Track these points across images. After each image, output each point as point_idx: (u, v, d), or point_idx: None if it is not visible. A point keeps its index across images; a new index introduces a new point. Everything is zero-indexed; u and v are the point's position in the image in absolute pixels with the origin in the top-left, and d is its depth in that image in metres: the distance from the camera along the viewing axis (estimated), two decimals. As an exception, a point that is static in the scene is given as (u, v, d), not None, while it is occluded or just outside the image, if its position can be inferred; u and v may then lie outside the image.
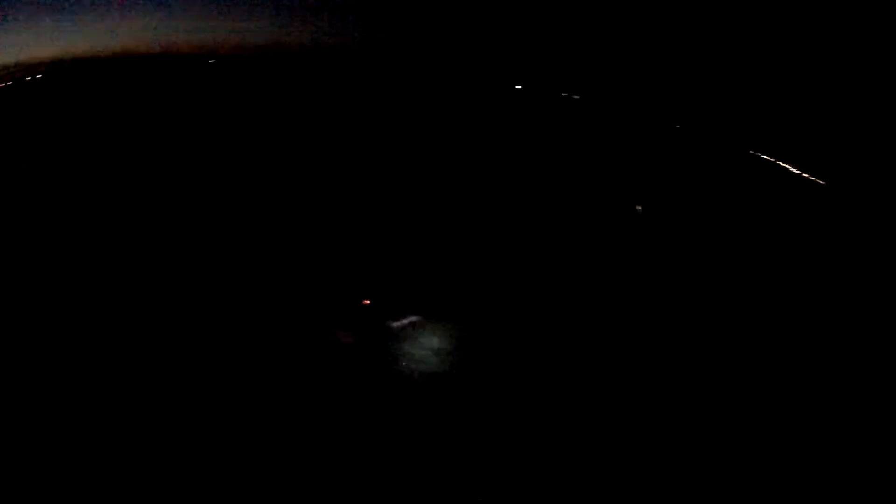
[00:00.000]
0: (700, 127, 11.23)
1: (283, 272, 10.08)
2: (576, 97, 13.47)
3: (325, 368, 8.01)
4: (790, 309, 9.05)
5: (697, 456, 7.00)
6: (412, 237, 11.24)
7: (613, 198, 12.53)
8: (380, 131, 16.28)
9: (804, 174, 9.80)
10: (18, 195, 12.80)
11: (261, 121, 17.35)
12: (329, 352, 8.49)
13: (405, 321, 8.78)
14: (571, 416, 7.47)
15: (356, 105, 18.66)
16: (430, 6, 20.07)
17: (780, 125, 10.45)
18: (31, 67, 23.87)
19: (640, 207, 10.63)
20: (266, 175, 13.55)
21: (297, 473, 6.58)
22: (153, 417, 7.22)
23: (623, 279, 10.22)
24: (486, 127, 15.95)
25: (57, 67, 24.77)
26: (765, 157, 10.23)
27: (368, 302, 9.58)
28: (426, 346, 8.52)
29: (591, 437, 7.22)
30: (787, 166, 9.70)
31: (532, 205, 12.49)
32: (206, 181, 13.35)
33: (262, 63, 25.24)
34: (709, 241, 11.08)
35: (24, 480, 6.31)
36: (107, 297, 9.53)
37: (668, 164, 13.18)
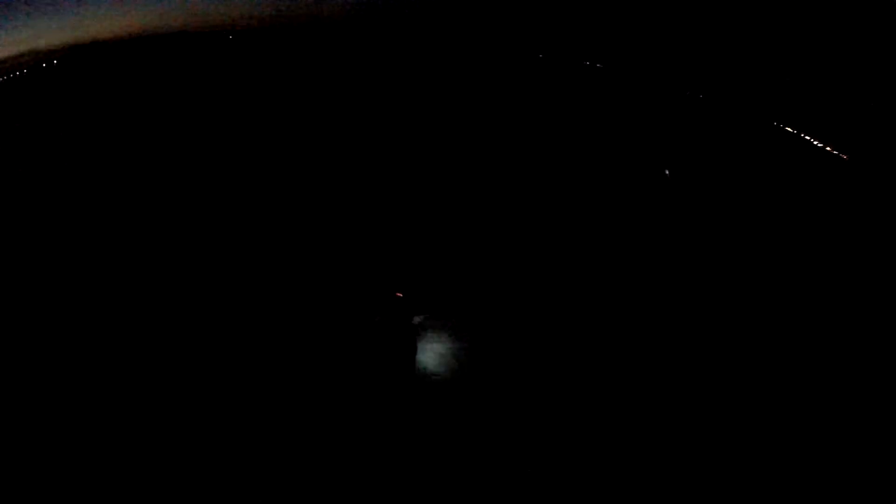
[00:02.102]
0: (723, 97, 11.09)
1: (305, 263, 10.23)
2: (598, 66, 13.39)
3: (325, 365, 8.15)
4: (807, 284, 9.11)
5: (714, 453, 7.14)
6: (425, 210, 11.32)
7: (635, 167, 12.50)
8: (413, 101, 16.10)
9: (827, 147, 9.67)
10: (42, 186, 13.01)
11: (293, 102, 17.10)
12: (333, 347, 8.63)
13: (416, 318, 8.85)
14: (584, 415, 7.62)
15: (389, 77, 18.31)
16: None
17: (806, 97, 10.30)
18: (44, 55, 23.62)
19: (667, 171, 10.64)
20: (299, 158, 13.56)
21: (292, 469, 6.65)
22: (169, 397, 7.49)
23: (644, 250, 10.28)
24: (506, 97, 15.76)
25: (71, 53, 24.38)
26: (788, 129, 10.10)
27: (401, 294, 9.60)
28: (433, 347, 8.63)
29: (601, 436, 7.39)
30: (811, 139, 9.56)
31: (552, 177, 12.47)
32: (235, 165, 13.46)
33: (292, 36, 24.33)
34: (729, 213, 11.06)
35: (24, 480, 6.50)
36: (134, 280, 9.81)
37: (689, 134, 13.04)
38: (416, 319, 8.65)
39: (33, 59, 21.19)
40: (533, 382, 7.61)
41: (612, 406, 7.38)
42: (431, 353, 8.16)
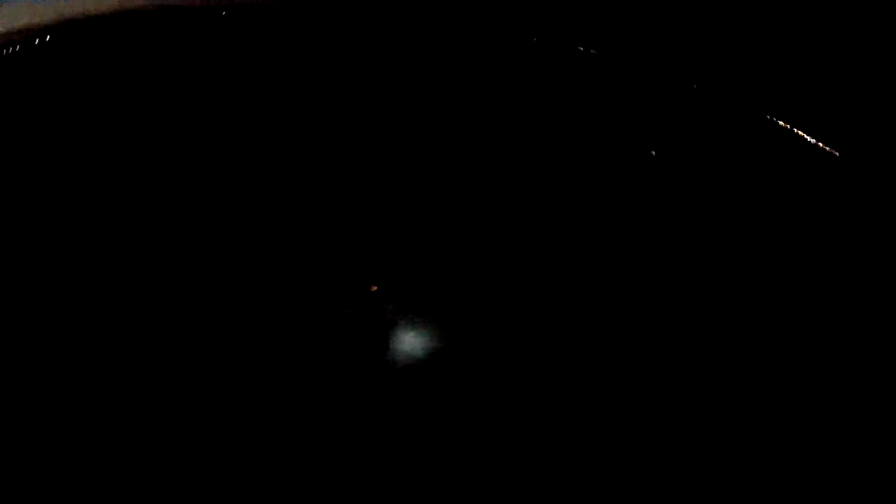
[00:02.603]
0: (718, 88, 10.83)
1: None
2: (593, 52, 13.11)
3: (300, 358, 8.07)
4: (796, 279, 8.94)
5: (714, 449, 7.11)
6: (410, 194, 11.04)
7: (625, 155, 12.13)
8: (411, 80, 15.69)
9: (820, 143, 9.45)
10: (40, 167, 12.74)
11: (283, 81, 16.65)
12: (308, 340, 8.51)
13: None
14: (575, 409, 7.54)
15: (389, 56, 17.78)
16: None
17: (801, 92, 10.01)
18: (32, 33, 22.71)
19: (654, 152, 10.45)
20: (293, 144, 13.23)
21: (261, 465, 6.71)
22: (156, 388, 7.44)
23: (629, 238, 10.01)
24: (497, 82, 15.28)
25: (60, 30, 23.59)
26: (781, 122, 9.86)
27: (375, 288, 9.36)
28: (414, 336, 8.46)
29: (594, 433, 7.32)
30: (804, 134, 9.37)
31: (541, 163, 12.13)
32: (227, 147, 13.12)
33: (289, 12, 23.35)
34: (718, 206, 10.75)
35: (24, 480, 6.76)
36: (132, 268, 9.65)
37: (681, 123, 12.65)
38: (390, 312, 8.45)
39: (24, 36, 20.57)
40: (511, 379, 7.47)
41: (591, 402, 7.31)
42: (405, 348, 7.98)
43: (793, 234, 7.38)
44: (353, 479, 5.76)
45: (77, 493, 6.07)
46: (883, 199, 6.35)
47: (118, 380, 6.48)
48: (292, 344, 6.89)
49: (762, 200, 7.43)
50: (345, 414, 6.36)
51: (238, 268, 7.91)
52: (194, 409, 6.37)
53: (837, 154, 6.62)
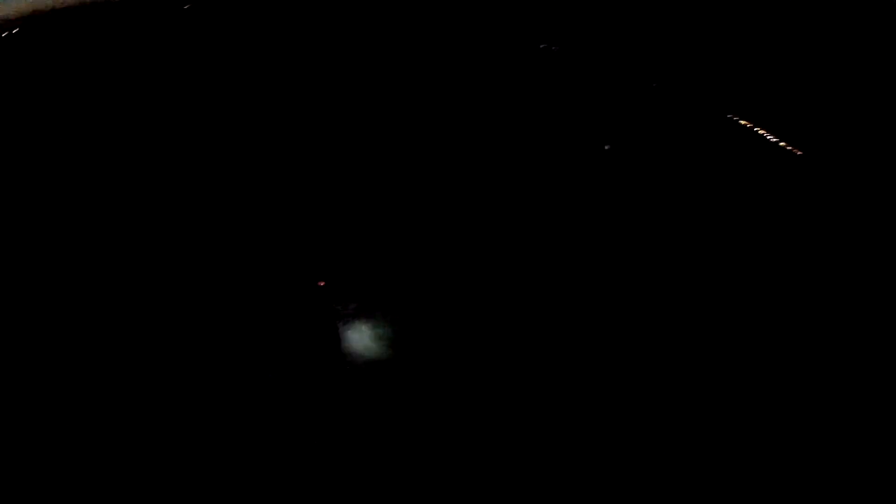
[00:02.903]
0: (677, 87, 10.76)
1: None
2: (553, 48, 12.96)
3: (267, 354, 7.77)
4: (760, 282, 8.97)
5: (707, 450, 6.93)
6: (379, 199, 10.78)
7: (586, 153, 12.11)
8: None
9: (781, 143, 9.49)
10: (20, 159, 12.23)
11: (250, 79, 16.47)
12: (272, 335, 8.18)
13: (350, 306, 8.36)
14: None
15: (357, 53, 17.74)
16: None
17: (762, 89, 10.03)
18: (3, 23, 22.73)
19: (608, 147, 10.32)
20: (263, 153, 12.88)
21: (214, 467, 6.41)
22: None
23: (591, 242, 9.93)
24: (463, 79, 15.27)
25: (31, 21, 23.52)
26: (742, 122, 9.84)
27: (323, 283, 9.06)
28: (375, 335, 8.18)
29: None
30: (765, 133, 9.36)
31: (506, 161, 12.01)
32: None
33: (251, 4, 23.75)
34: (678, 206, 10.77)
35: (24, 480, 6.36)
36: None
37: (642, 123, 12.71)
38: (340, 308, 8.17)
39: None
40: (465, 373, 7.26)
41: (545, 399, 7.10)
42: (356, 343, 7.73)
43: (757, 229, 6.95)
44: (295, 473, 5.17)
45: (77, 492, 5.26)
46: (847, 195, 6.02)
47: (118, 379, 5.79)
48: (242, 340, 6.34)
49: (726, 197, 6.98)
50: (294, 407, 5.81)
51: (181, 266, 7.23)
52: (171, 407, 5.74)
53: (800, 153, 6.25)
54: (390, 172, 11.00)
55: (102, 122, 12.59)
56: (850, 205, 8.50)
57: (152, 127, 12.72)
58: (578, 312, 7.71)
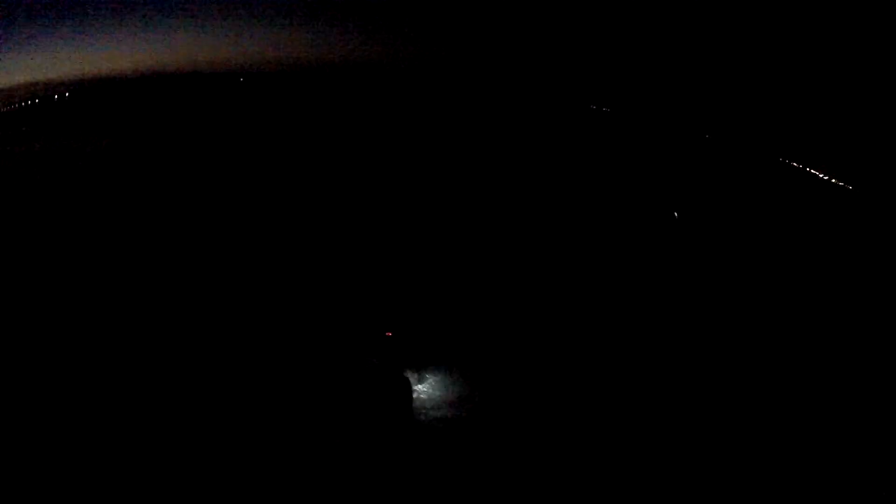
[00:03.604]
0: (729, 136, 11.52)
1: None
2: (605, 109, 13.80)
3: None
4: (817, 313, 9.26)
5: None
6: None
7: (646, 207, 12.77)
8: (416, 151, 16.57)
9: (832, 179, 10.04)
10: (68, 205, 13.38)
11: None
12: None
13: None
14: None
15: (400, 123, 18.84)
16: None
17: (808, 131, 10.73)
18: (54, 86, 24.45)
19: (677, 214, 10.89)
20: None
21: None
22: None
23: (653, 288, 10.41)
24: (516, 140, 16.29)
25: (82, 86, 25.24)
26: (794, 163, 10.49)
27: (391, 334, 9.05)
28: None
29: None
30: (816, 172, 9.94)
31: (563, 215, 12.75)
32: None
33: (299, 80, 25.04)
34: (741, 246, 11.28)
35: (24, 480, 6.31)
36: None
37: (698, 173, 13.45)
38: (411, 365, 8.51)
39: (43, 89, 22.08)
40: (533, 422, 7.54)
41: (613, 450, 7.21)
42: (427, 395, 8.03)
43: (812, 262, 7.77)
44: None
45: (76, 492, 5.95)
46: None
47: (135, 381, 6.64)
48: (322, 392, 7.00)
49: (783, 235, 7.90)
50: (370, 458, 6.43)
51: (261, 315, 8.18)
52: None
53: (851, 188, 7.17)
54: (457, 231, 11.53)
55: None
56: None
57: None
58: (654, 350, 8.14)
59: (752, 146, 11.58)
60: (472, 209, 12.68)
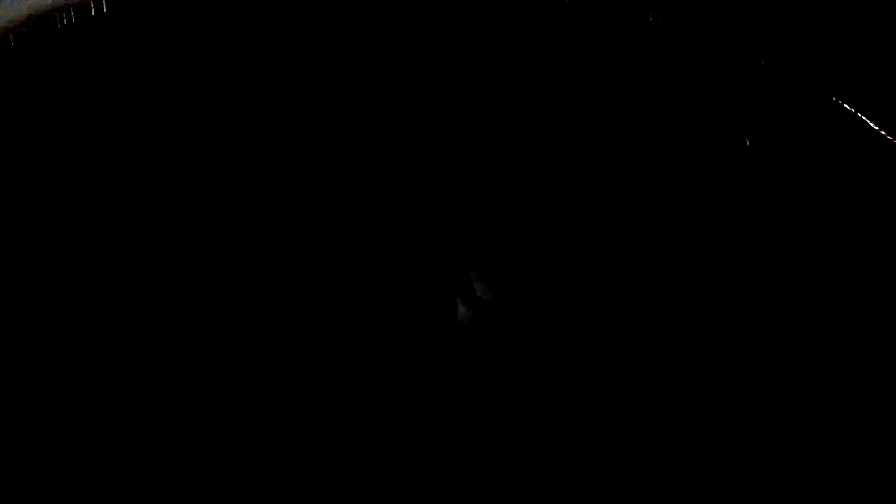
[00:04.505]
0: (786, 64, 9.12)
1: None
2: (661, 19, 11.57)
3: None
4: (852, 268, 7.34)
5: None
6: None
7: (706, 134, 10.68)
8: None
9: (882, 132, 7.58)
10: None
11: None
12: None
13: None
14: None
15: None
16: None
17: (869, 77, 8.03)
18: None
19: (748, 141, 9.13)
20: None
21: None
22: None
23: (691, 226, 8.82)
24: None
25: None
26: (846, 106, 8.05)
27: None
28: None
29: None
30: (867, 120, 7.58)
31: (608, 137, 11.07)
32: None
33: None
34: (776, 189, 9.07)
35: (24, 480, 7.39)
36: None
37: (748, 102, 10.84)
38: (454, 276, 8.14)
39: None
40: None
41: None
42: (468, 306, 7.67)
43: (856, 223, 6.06)
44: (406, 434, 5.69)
45: (76, 491, 6.47)
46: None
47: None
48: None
49: (826, 189, 6.22)
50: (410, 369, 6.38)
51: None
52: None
53: None
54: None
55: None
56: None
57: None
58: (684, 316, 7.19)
59: (808, 78, 8.97)
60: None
